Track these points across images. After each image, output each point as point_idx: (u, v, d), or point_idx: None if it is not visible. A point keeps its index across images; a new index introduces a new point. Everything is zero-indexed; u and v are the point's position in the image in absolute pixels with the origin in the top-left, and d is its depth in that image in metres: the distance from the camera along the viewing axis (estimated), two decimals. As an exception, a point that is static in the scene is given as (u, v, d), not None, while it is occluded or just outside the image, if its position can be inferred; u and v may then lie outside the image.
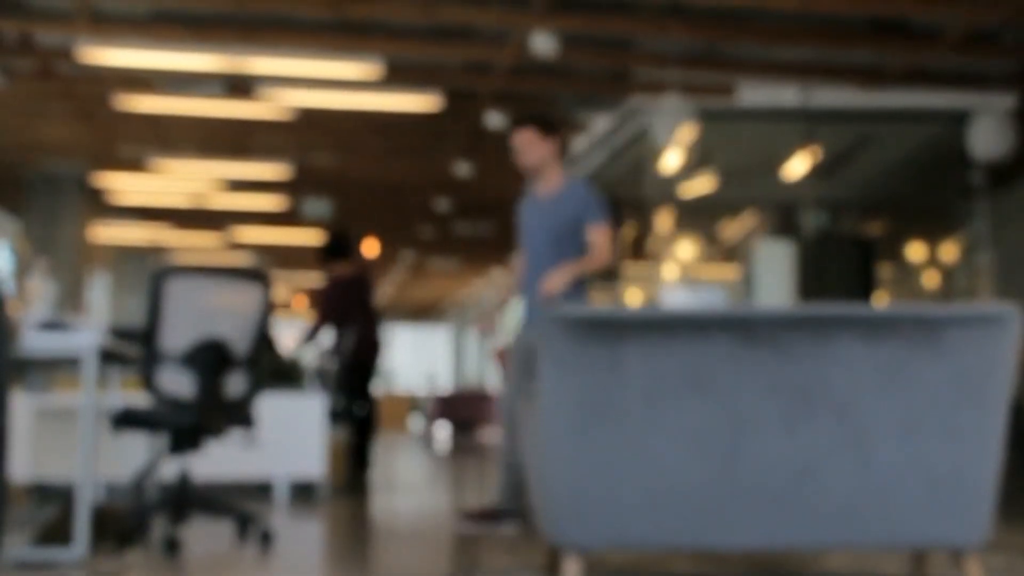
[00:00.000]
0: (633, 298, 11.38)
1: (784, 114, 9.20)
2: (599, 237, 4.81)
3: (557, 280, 4.67)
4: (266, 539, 4.52)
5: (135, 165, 12.13)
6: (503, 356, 8.18)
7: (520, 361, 4.77)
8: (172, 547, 4.24)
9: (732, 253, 11.41)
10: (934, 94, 8.98)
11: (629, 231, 11.49)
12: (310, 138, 11.07)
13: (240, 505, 4.88)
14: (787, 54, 8.44)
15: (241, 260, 19.20)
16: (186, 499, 4.52)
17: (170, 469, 5.95)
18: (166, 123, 10.45)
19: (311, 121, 10.29)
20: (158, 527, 5.03)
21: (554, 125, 5.01)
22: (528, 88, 9.20)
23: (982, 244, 9.73)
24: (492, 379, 23.30)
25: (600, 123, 10.11)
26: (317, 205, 13.75)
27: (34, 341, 4.19)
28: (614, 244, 4.84)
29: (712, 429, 2.91)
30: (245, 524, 4.60)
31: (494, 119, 9.46)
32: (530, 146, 4.97)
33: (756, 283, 10.42)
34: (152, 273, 4.41)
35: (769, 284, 10.24)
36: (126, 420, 4.48)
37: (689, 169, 9.49)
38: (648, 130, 8.68)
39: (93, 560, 4.05)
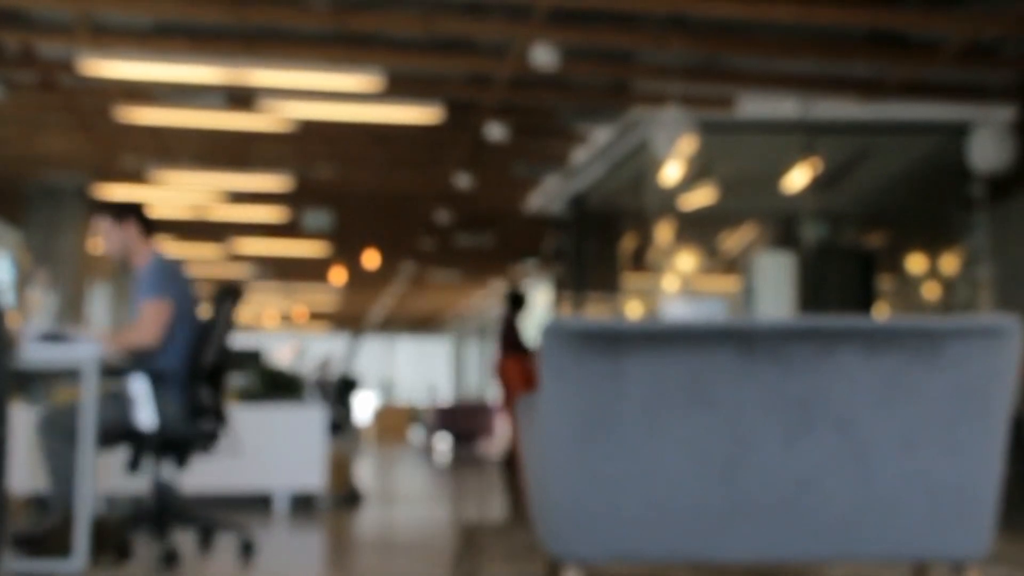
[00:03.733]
0: (633, 310, 11.38)
1: (784, 126, 9.20)
2: (142, 312, 4.64)
3: (106, 347, 4.47)
4: (247, 549, 4.53)
5: (136, 177, 12.14)
6: (503, 368, 8.18)
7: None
8: (170, 559, 4.24)
9: (732, 265, 11.40)
10: (934, 106, 8.99)
11: (629, 243, 11.49)
12: (311, 150, 11.08)
13: (210, 515, 4.91)
14: (787, 66, 8.45)
15: (241, 272, 19.21)
16: (165, 510, 4.57)
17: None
18: (167, 135, 10.46)
19: (312, 133, 10.30)
20: (152, 539, 5.03)
21: (127, 210, 4.84)
22: (528, 100, 9.21)
23: (982, 256, 9.72)
24: (492, 391, 23.27)
25: (600, 135, 10.12)
26: (317, 217, 13.75)
27: (34, 352, 4.19)
28: (159, 320, 4.58)
29: (712, 441, 2.91)
30: (209, 534, 4.68)
31: (495, 131, 9.47)
32: (106, 235, 4.84)
33: (756, 295, 10.42)
34: (219, 291, 4.64)
35: (769, 296, 10.23)
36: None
37: (689, 181, 9.49)
38: (648, 142, 8.68)
39: (92, 572, 4.04)
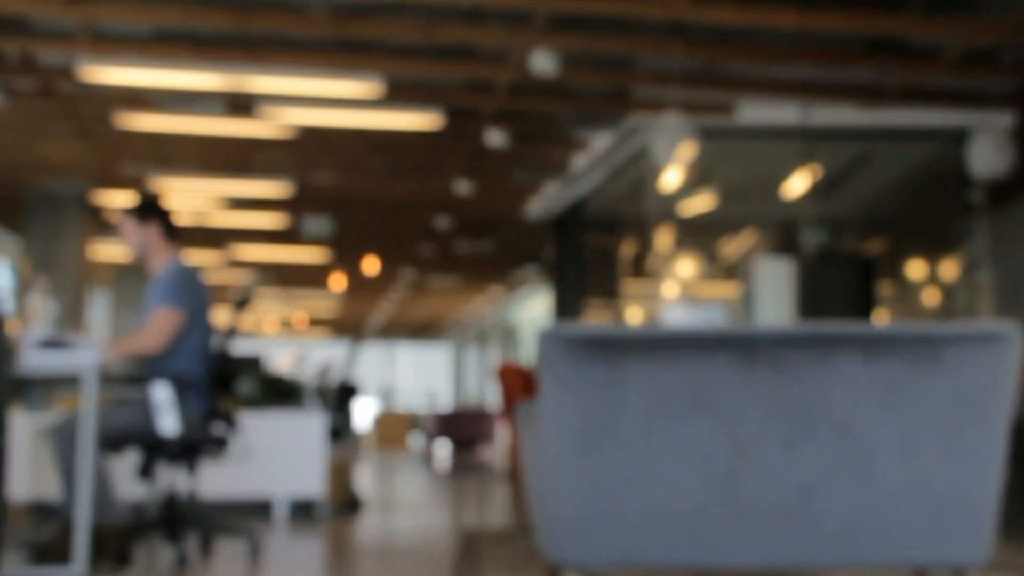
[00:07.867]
0: (633, 316, 11.38)
1: (784, 132, 9.21)
2: (153, 318, 4.61)
3: (108, 352, 4.44)
4: (255, 554, 4.53)
5: (136, 183, 12.14)
6: (504, 374, 8.17)
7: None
8: (181, 564, 4.28)
9: (732, 271, 11.41)
10: (933, 113, 9.00)
11: (629, 249, 11.49)
12: (310, 156, 11.09)
13: (223, 521, 4.90)
14: (787, 73, 8.46)
15: (240, 278, 19.22)
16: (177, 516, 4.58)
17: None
18: (167, 141, 10.47)
19: (311, 139, 10.31)
20: (165, 544, 5.02)
21: (151, 210, 4.85)
22: (528, 107, 9.22)
23: (982, 262, 9.73)
24: (492, 397, 23.27)
25: (600, 141, 10.12)
26: (317, 223, 13.76)
27: (34, 359, 4.19)
28: (167, 328, 4.56)
29: (712, 447, 2.91)
30: (212, 539, 4.73)
31: (494, 137, 9.48)
32: (127, 233, 4.84)
33: (756, 301, 10.42)
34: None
35: (769, 302, 10.24)
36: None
37: (689, 187, 9.51)
38: (648, 148, 8.69)
39: (92, 579, 4.04)
